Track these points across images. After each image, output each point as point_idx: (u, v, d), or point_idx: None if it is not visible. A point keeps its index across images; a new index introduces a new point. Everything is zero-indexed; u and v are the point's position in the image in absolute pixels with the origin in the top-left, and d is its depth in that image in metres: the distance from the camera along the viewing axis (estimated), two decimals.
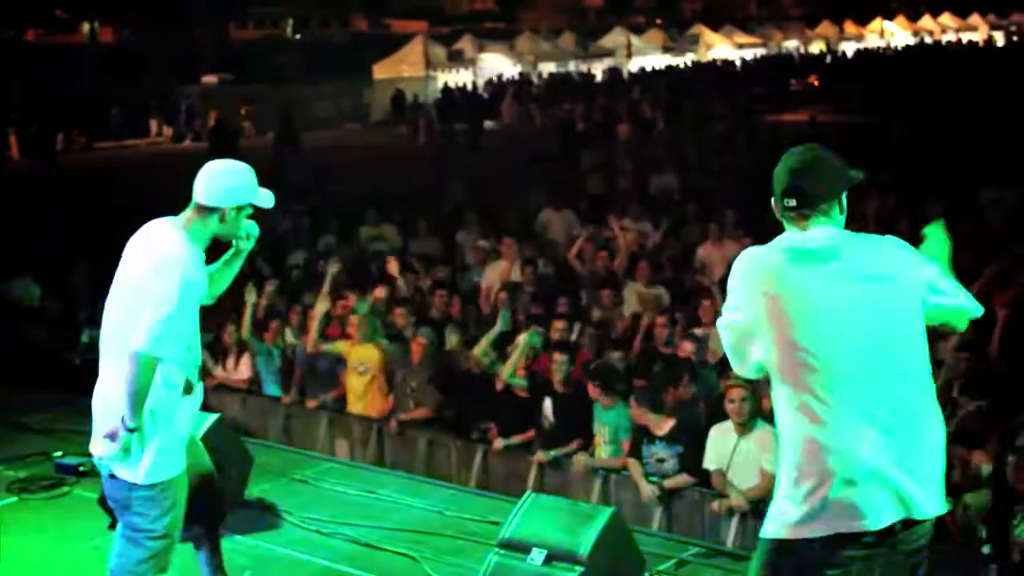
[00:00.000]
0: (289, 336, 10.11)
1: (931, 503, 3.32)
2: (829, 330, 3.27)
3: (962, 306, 3.40)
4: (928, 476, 3.32)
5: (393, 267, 11.33)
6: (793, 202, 3.38)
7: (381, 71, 40.91)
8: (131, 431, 4.30)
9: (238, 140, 24.45)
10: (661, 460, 7.62)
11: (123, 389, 4.27)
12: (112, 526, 6.15)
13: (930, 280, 3.37)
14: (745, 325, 3.39)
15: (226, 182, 4.46)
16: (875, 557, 3.29)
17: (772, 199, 3.47)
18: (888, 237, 3.42)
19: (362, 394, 9.32)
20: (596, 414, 8.08)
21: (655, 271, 11.00)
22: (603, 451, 8.02)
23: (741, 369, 3.49)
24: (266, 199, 4.53)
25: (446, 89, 39.00)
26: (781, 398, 3.37)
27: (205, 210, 4.43)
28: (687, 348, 8.78)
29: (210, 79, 39.78)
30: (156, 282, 4.28)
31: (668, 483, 7.49)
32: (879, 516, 3.25)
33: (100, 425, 4.46)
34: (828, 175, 3.41)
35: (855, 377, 3.26)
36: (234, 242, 4.67)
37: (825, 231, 3.38)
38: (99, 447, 4.45)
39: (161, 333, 4.24)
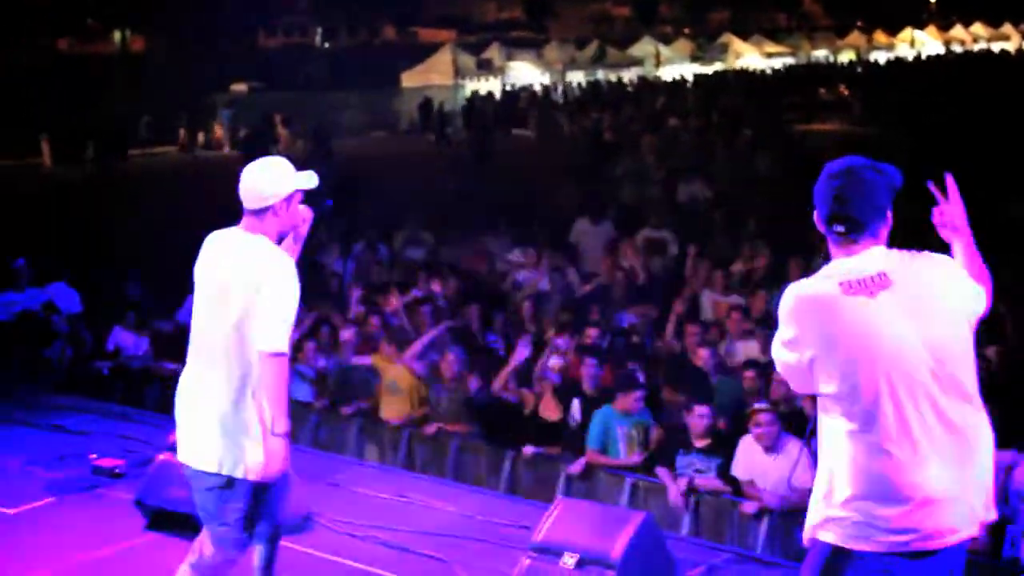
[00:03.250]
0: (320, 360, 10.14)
1: (973, 525, 3.39)
2: (886, 360, 3.30)
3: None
4: (977, 498, 3.40)
5: (436, 283, 11.38)
6: (842, 228, 3.40)
7: (409, 79, 41.15)
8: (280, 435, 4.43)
9: (269, 149, 24.62)
10: (700, 471, 7.65)
11: (264, 395, 4.41)
12: (149, 527, 6.29)
13: (974, 291, 3.45)
14: (802, 359, 3.42)
15: (265, 180, 4.56)
16: (918, 568, 3.33)
17: (815, 215, 3.48)
18: (934, 255, 3.45)
19: (394, 408, 9.41)
20: (620, 419, 8.14)
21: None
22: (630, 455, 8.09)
23: (801, 390, 3.57)
24: (309, 179, 4.63)
25: (471, 97, 39.07)
26: (835, 425, 3.40)
27: (258, 213, 4.54)
28: (703, 355, 8.86)
29: (239, 87, 40.07)
30: (271, 284, 4.41)
31: (699, 481, 7.54)
32: (934, 537, 3.30)
33: (193, 429, 4.57)
34: (875, 196, 3.42)
35: (909, 403, 3.30)
36: (294, 231, 4.76)
37: (875, 256, 3.40)
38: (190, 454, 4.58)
39: (287, 330, 4.42)
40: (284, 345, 4.43)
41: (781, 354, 3.49)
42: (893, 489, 3.30)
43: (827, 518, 3.40)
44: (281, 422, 4.42)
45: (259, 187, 4.54)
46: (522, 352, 9.01)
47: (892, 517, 3.29)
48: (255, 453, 4.45)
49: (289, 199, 4.59)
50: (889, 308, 3.33)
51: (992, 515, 3.44)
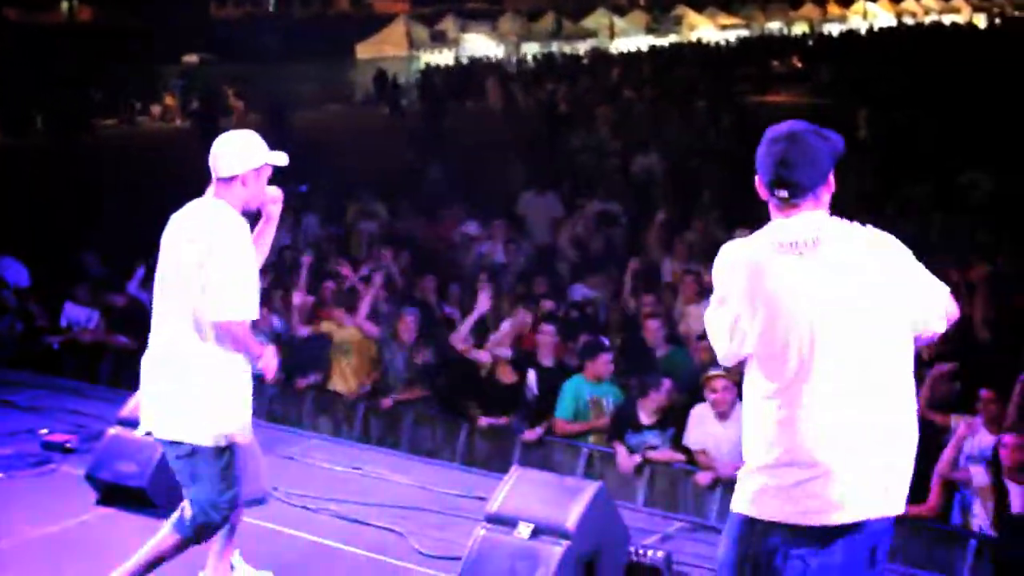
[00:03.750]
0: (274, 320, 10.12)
1: (897, 501, 3.33)
2: (810, 323, 3.23)
3: (941, 310, 3.36)
4: (899, 474, 3.32)
5: (387, 255, 11.34)
6: (785, 193, 3.35)
7: (364, 51, 40.81)
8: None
9: (219, 121, 24.32)
10: (653, 447, 7.70)
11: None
12: (100, 502, 6.23)
13: (916, 278, 3.34)
14: (729, 318, 3.38)
15: (237, 149, 4.62)
16: (839, 542, 3.27)
17: (757, 180, 3.43)
18: (873, 230, 3.36)
19: (346, 373, 9.38)
20: (591, 387, 8.15)
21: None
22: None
23: (725, 360, 3.48)
24: (280, 158, 4.69)
25: (425, 70, 38.84)
26: (756, 388, 3.36)
27: (227, 181, 4.59)
28: (651, 327, 8.90)
29: (191, 59, 39.56)
30: (220, 251, 4.45)
31: (653, 455, 7.59)
32: (849, 510, 3.25)
33: (160, 400, 4.63)
34: (818, 161, 3.35)
35: (832, 371, 3.24)
36: (263, 210, 4.82)
37: (813, 219, 3.33)
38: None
39: (243, 296, 4.47)
40: (238, 313, 4.47)
41: (710, 314, 3.46)
42: (801, 459, 3.24)
43: (744, 486, 3.36)
44: (254, 357, 4.61)
45: (230, 154, 4.60)
46: (484, 303, 9.00)
47: (801, 488, 3.23)
48: (219, 419, 4.54)
49: (258, 172, 4.64)
50: (815, 271, 3.26)
51: (901, 508, 3.35)
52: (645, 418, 7.78)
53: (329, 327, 9.52)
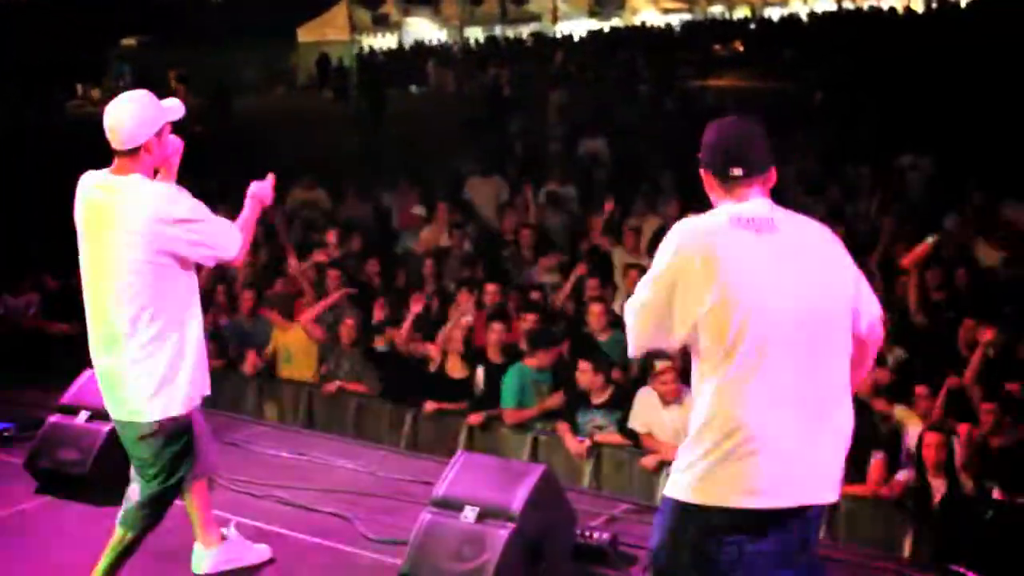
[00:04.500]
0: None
1: (831, 490, 3.36)
2: (761, 301, 3.22)
3: (874, 316, 3.45)
4: (833, 461, 3.35)
5: (331, 236, 11.27)
6: (740, 171, 3.36)
7: (305, 34, 40.44)
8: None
9: None
10: (600, 427, 7.73)
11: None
12: (39, 491, 6.14)
13: (856, 280, 3.41)
14: (660, 301, 3.29)
15: (134, 117, 4.43)
16: (774, 528, 3.28)
17: (704, 165, 3.43)
18: (820, 224, 3.44)
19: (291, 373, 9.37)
20: (534, 375, 8.15)
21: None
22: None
23: (637, 349, 3.41)
24: (176, 111, 4.56)
25: (362, 53, 38.55)
26: (701, 370, 3.34)
27: (131, 153, 4.43)
28: (595, 311, 8.91)
29: (129, 41, 38.96)
30: (182, 217, 4.39)
31: (600, 437, 7.63)
32: (786, 495, 3.26)
33: (110, 380, 4.54)
34: (765, 144, 3.42)
35: (783, 354, 3.24)
36: (165, 165, 4.64)
37: (764, 204, 3.36)
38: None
39: (233, 231, 4.58)
40: (236, 244, 4.56)
41: (638, 297, 3.36)
42: (746, 442, 3.22)
43: (682, 470, 3.34)
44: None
45: (128, 125, 4.41)
46: (416, 305, 8.93)
47: (743, 471, 3.22)
48: (168, 396, 4.45)
49: (160, 133, 4.48)
50: (770, 251, 3.26)
51: (836, 496, 3.37)
52: (594, 397, 7.81)
53: (275, 329, 9.46)
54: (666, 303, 3.30)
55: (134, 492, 4.64)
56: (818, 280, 3.30)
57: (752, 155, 3.38)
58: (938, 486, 6.71)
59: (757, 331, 3.23)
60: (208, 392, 4.71)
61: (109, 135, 4.44)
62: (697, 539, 3.29)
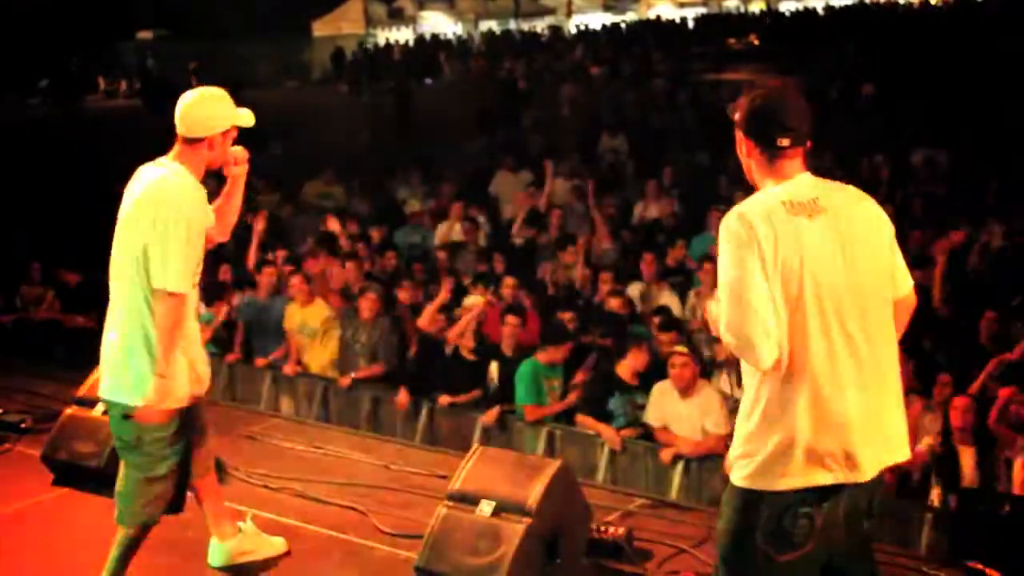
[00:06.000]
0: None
1: (903, 449, 3.42)
2: (823, 278, 3.24)
3: (909, 282, 3.50)
4: (900, 422, 3.42)
5: (334, 224, 11.28)
6: (787, 141, 3.36)
7: (320, 28, 40.42)
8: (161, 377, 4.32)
9: (175, 99, 24.02)
10: (641, 406, 7.70)
11: (155, 332, 4.32)
12: (55, 483, 6.16)
13: (891, 245, 3.43)
14: (746, 276, 3.22)
15: (206, 110, 4.46)
16: (843, 495, 3.32)
17: (748, 138, 3.41)
18: (858, 191, 3.45)
19: (307, 352, 9.34)
20: (546, 371, 8.14)
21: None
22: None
23: (769, 359, 3.22)
24: (247, 118, 4.54)
25: (376, 48, 38.48)
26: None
27: (192, 142, 4.42)
28: (614, 304, 8.92)
29: (145, 35, 39.00)
30: (166, 217, 4.28)
31: (625, 433, 7.61)
32: (860, 469, 3.29)
33: (105, 360, 4.49)
34: (808, 111, 3.41)
35: (841, 330, 3.27)
36: (227, 172, 4.65)
37: (806, 182, 3.37)
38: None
39: (180, 268, 4.28)
40: (177, 285, 4.29)
41: (725, 276, 3.28)
42: (811, 422, 3.24)
43: (746, 455, 3.33)
44: (162, 363, 4.32)
45: (197, 115, 4.43)
46: (444, 293, 8.98)
47: (809, 452, 3.24)
48: (151, 385, 4.38)
49: (226, 133, 4.48)
50: (824, 233, 3.27)
51: (908, 453, 3.45)
52: (629, 379, 7.79)
53: (292, 307, 9.42)
54: (764, 301, 3.22)
55: (119, 481, 4.61)
56: (866, 253, 3.34)
57: (800, 125, 3.38)
58: (966, 454, 6.69)
59: (820, 310, 3.24)
60: (202, 393, 4.62)
61: (178, 120, 4.44)
62: (771, 519, 3.29)
